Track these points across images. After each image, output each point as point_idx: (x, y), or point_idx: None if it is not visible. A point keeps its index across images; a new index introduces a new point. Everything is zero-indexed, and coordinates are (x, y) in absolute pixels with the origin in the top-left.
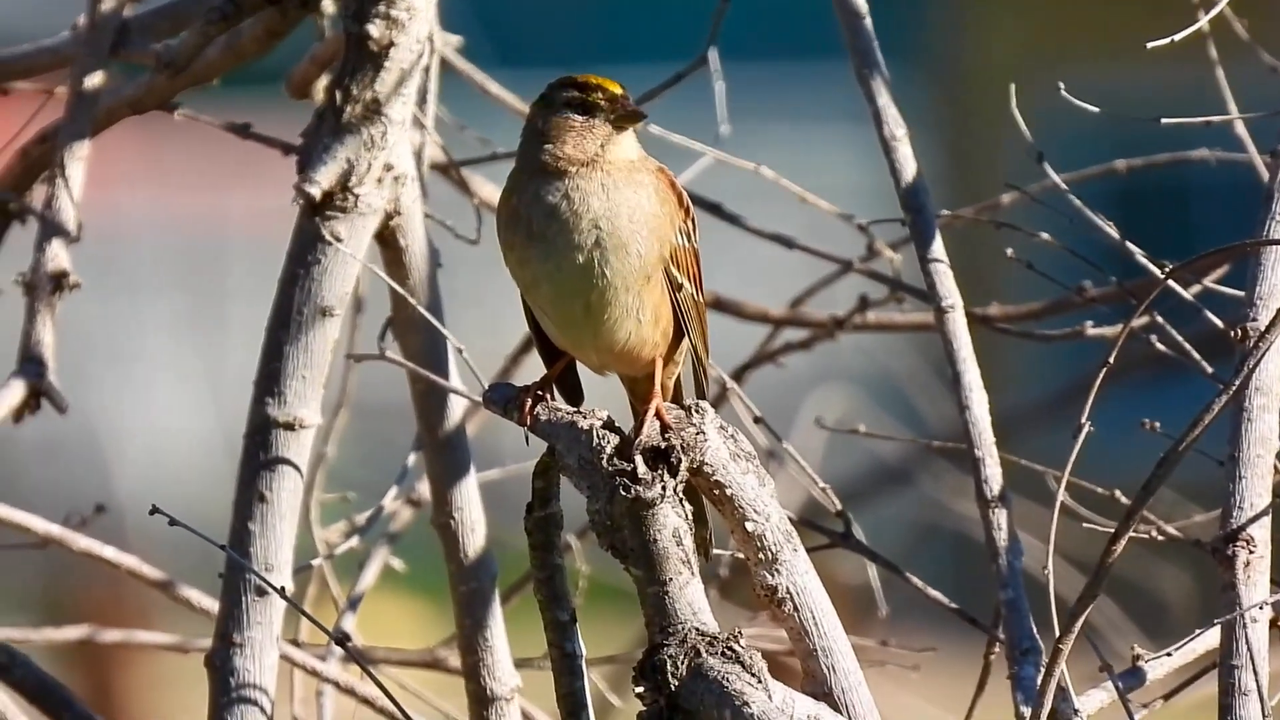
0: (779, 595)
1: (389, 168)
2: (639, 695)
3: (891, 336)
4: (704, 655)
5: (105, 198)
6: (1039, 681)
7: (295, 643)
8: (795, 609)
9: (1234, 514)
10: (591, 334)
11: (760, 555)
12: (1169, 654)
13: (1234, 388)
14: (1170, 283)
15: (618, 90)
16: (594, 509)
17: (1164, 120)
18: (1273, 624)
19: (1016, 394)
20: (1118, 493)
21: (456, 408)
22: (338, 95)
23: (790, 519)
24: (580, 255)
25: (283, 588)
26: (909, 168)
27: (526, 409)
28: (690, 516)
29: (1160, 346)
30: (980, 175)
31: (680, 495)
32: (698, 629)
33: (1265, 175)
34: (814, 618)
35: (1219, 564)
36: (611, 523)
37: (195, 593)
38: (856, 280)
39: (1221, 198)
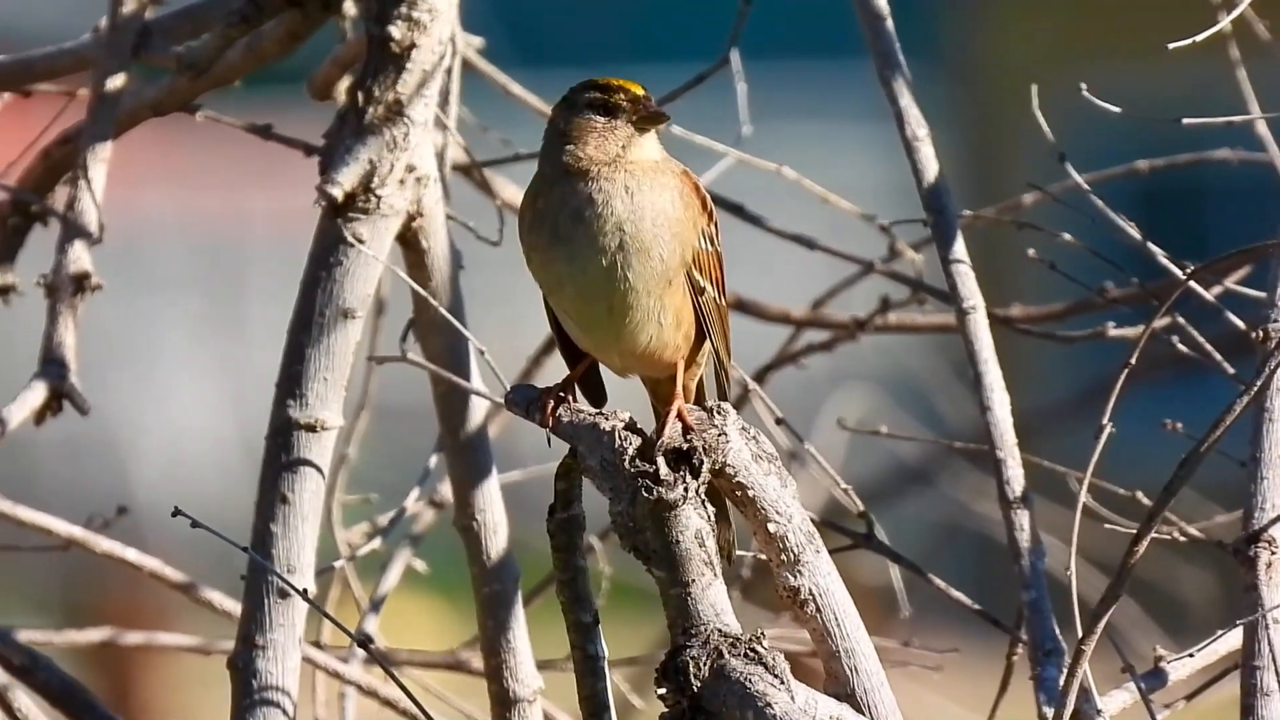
0: (801, 596)
1: (411, 169)
2: (661, 697)
3: (912, 337)
4: (727, 656)
5: (125, 198)
6: (1062, 682)
7: (318, 645)
8: (818, 610)
9: (1256, 515)
10: (614, 336)
11: (783, 556)
12: (1191, 655)
13: (1255, 388)
14: (1192, 284)
15: (640, 91)
16: (616, 511)
17: (1185, 121)
18: None
19: (1037, 395)
20: (1139, 494)
21: (478, 409)
22: (360, 97)
23: (812, 520)
24: (604, 258)
25: (305, 590)
26: (931, 168)
27: (548, 410)
28: (712, 518)
29: (1182, 347)
30: (999, 175)
31: (702, 497)
32: (720, 630)
33: None
34: (836, 619)
35: (1241, 565)
36: (634, 524)
37: (217, 595)
38: (878, 281)
39: (1239, 198)
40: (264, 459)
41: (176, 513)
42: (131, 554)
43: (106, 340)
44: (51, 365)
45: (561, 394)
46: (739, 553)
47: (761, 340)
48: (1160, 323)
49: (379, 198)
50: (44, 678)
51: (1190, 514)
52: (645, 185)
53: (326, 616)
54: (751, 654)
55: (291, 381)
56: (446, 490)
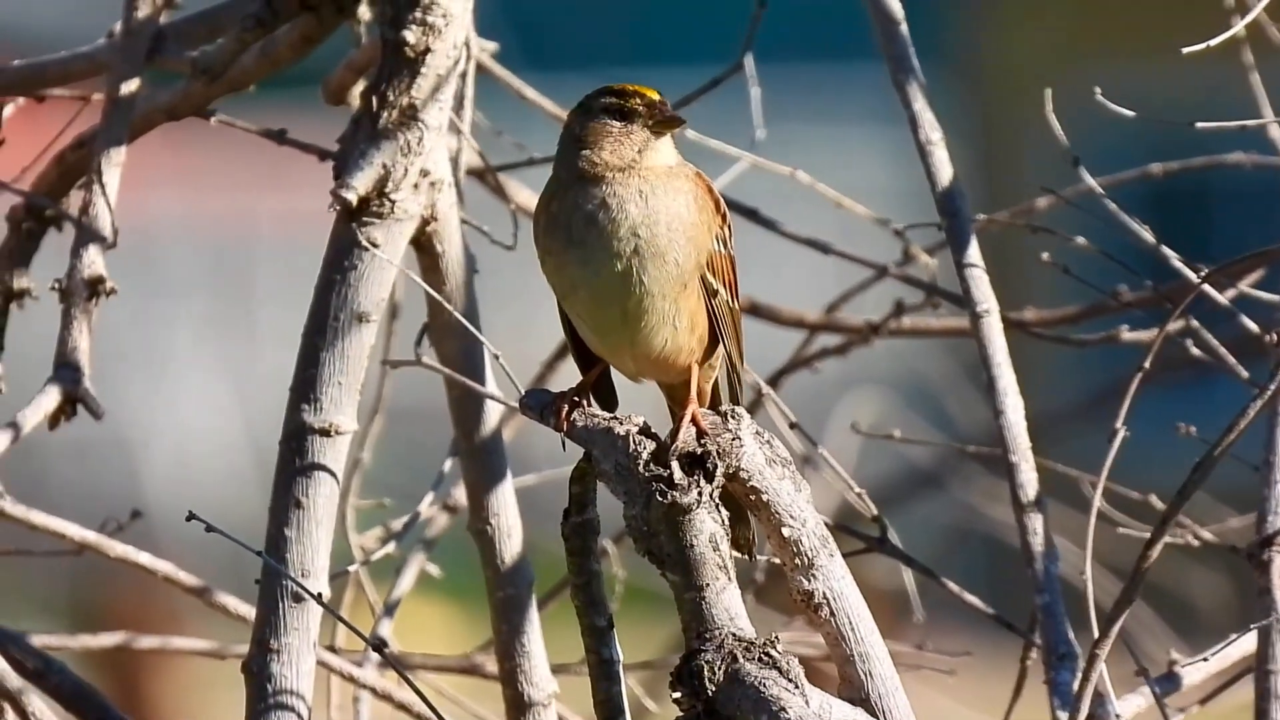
0: (815, 600)
1: (425, 173)
2: (676, 700)
3: (925, 341)
4: (741, 660)
5: (135, 201)
6: (1076, 686)
7: (332, 648)
8: (832, 614)
9: (1270, 519)
10: (628, 340)
11: (797, 560)
12: (1205, 659)
13: (1270, 392)
14: (1206, 287)
15: (655, 96)
16: (631, 514)
17: (1199, 125)
18: None
19: (1050, 398)
20: (1153, 497)
21: (493, 413)
22: (374, 101)
23: (826, 524)
24: (619, 262)
25: (319, 594)
26: (945, 172)
27: (563, 415)
28: (726, 522)
29: (1195, 351)
30: (1005, 177)
31: (717, 501)
32: (735, 634)
33: None
34: (850, 623)
35: (1255, 569)
36: (648, 528)
37: (231, 599)
38: (891, 285)
39: (1248, 200)
40: (278, 463)
41: (191, 517)
42: (145, 558)
43: (117, 343)
44: (65, 369)
45: (576, 398)
46: (756, 556)
47: (775, 344)
48: (1174, 326)
49: (393, 202)
50: (57, 681)
51: (1204, 518)
52: (659, 189)
53: (341, 620)
54: (766, 658)
55: (306, 386)
56: (461, 494)
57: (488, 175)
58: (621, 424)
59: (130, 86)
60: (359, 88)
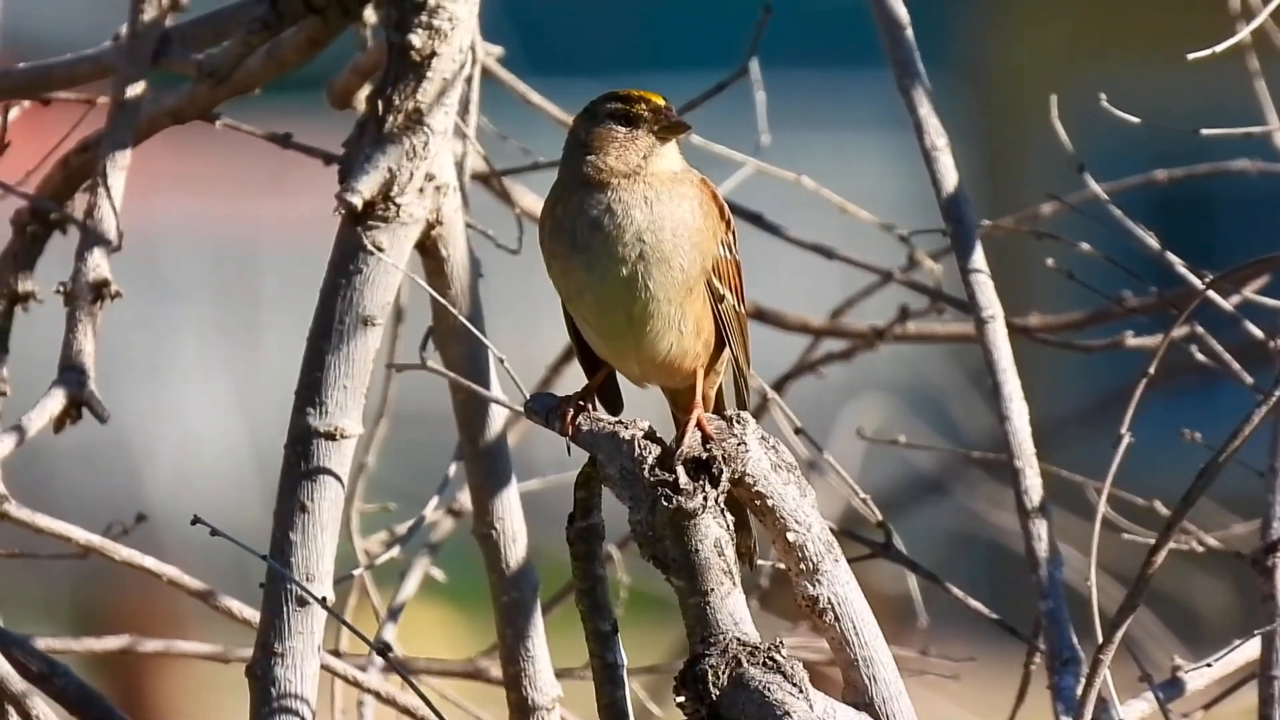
0: (820, 606)
1: (431, 177)
2: (680, 705)
3: (930, 346)
4: (745, 665)
5: (140, 204)
6: (1079, 692)
7: (336, 653)
8: (836, 619)
9: (1274, 525)
10: (634, 344)
11: (801, 566)
12: (1209, 664)
13: (1274, 398)
14: (1210, 293)
15: (661, 102)
16: (636, 519)
17: (1204, 131)
18: None
19: (1055, 404)
20: (1157, 503)
21: (498, 417)
22: (380, 105)
23: (831, 529)
24: (624, 267)
25: (324, 598)
26: (950, 178)
27: (568, 419)
28: (732, 527)
29: (1200, 357)
30: (1013, 182)
31: (722, 506)
32: (739, 639)
33: None
34: (855, 628)
35: (1259, 575)
36: (653, 533)
37: (236, 603)
38: (896, 290)
39: (1251, 206)
40: (283, 467)
41: (196, 520)
42: (150, 562)
43: (122, 346)
44: (70, 373)
45: (581, 402)
46: (759, 562)
47: (780, 349)
48: (1179, 332)
49: (398, 206)
50: (61, 685)
51: (1208, 523)
52: (664, 195)
53: (345, 624)
54: (770, 663)
55: (311, 389)
56: (465, 498)
57: (493, 180)
58: (627, 428)
59: (135, 90)
60: (364, 91)
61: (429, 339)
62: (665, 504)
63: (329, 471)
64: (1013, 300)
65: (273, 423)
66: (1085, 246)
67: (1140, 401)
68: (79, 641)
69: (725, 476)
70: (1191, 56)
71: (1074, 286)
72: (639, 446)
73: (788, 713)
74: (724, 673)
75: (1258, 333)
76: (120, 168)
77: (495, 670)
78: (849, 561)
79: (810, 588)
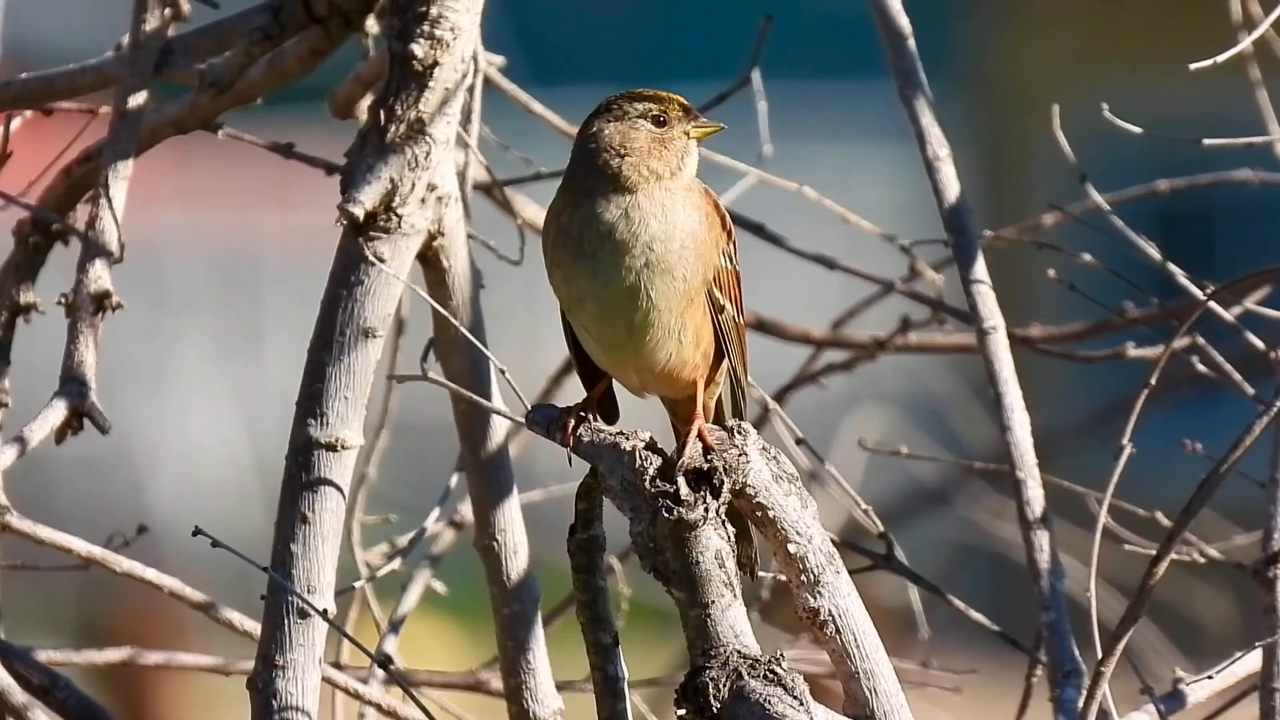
0: (821, 617)
1: (432, 188)
2: (681, 718)
3: (931, 357)
4: (746, 678)
5: (143, 215)
6: (1081, 704)
7: (337, 665)
8: (837, 631)
9: (1275, 536)
10: (633, 353)
11: (802, 577)
12: (1210, 677)
13: (1275, 409)
14: (1212, 304)
15: (686, 102)
16: (636, 531)
17: (1206, 141)
18: None
19: (1056, 415)
20: (1159, 514)
21: (499, 429)
22: (381, 115)
23: (832, 541)
24: (628, 276)
25: (325, 610)
26: (952, 188)
27: (569, 430)
28: (733, 538)
29: (1201, 368)
30: (1015, 192)
31: (723, 517)
32: (740, 651)
33: None
34: (856, 640)
35: (1260, 586)
36: (654, 545)
37: (237, 615)
38: (898, 301)
39: (1253, 216)
40: (284, 478)
41: (197, 532)
42: (151, 573)
43: (124, 357)
44: (72, 384)
45: (582, 413)
46: (760, 573)
47: (781, 360)
48: (1180, 343)
49: (400, 216)
50: (63, 697)
51: (1210, 535)
52: (680, 205)
53: (346, 637)
54: (771, 675)
55: (312, 400)
56: (466, 510)
57: (495, 190)
58: (628, 439)
59: (137, 100)
60: (366, 101)
61: (430, 350)
62: (666, 515)
63: (330, 483)
64: (1014, 311)
65: (275, 433)
66: (1087, 257)
67: (1141, 412)
68: (80, 654)
69: (726, 488)
70: (1193, 66)
71: (1075, 297)
72: (640, 458)
73: None
74: (725, 685)
75: (1259, 344)
76: (122, 178)
77: (496, 682)
78: (850, 573)
79: (811, 599)
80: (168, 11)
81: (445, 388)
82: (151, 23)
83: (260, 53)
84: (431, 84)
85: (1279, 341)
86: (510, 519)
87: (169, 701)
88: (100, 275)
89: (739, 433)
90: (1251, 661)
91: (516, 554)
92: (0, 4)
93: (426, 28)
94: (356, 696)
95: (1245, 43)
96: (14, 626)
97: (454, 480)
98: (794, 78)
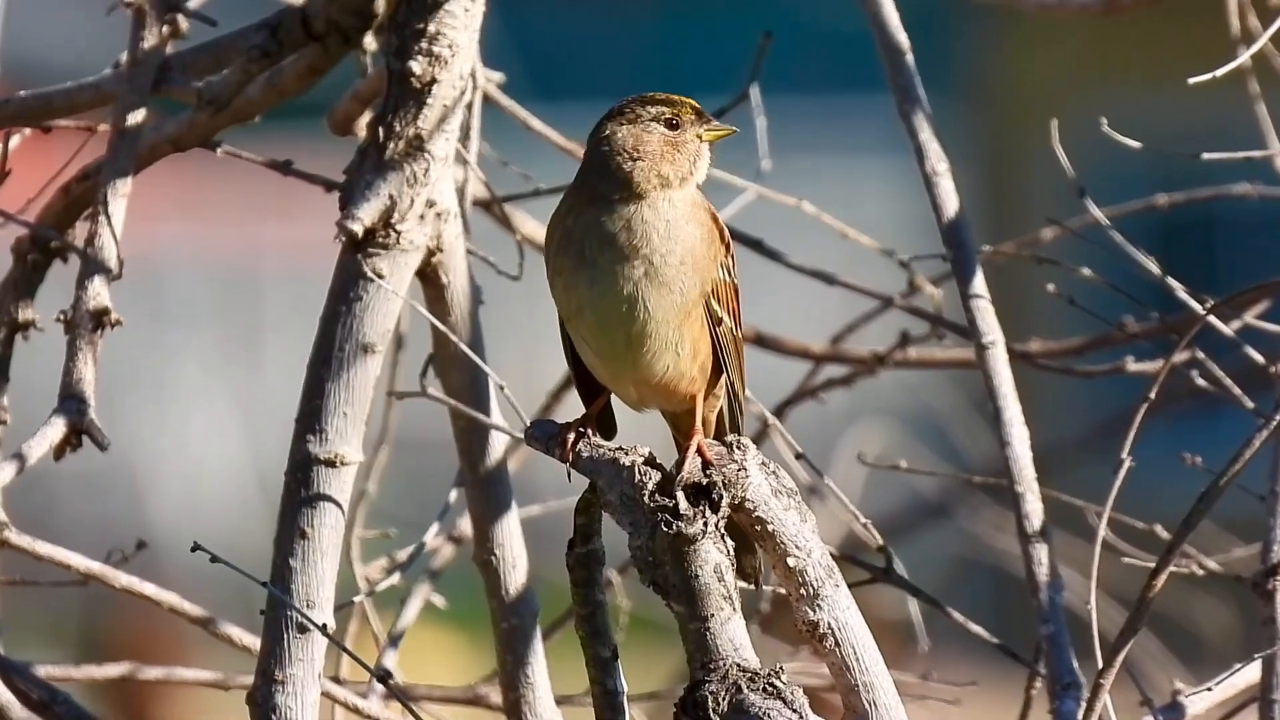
0: (821, 631)
1: (431, 204)
2: None
3: (930, 372)
4: (745, 691)
5: (141, 232)
6: (1080, 716)
7: (337, 679)
8: (837, 644)
9: (1275, 548)
10: (631, 365)
11: (802, 591)
12: (1209, 689)
13: (1275, 422)
14: (1211, 318)
15: (699, 107)
16: (636, 545)
17: (1205, 155)
18: None
19: (1056, 429)
20: (1158, 527)
21: (498, 444)
22: (380, 132)
23: (831, 554)
24: (627, 286)
25: (324, 625)
26: (951, 203)
27: (569, 445)
28: (731, 552)
29: (1201, 381)
30: (1014, 207)
31: (722, 531)
32: (739, 665)
33: None
34: (855, 653)
35: (1259, 598)
36: (653, 559)
37: (236, 630)
38: (897, 316)
39: (1253, 230)
40: (283, 494)
41: (196, 548)
42: (150, 588)
43: (123, 373)
44: (71, 401)
45: (581, 429)
46: (761, 586)
47: (781, 375)
48: (1179, 357)
49: (399, 233)
50: (63, 712)
51: (1209, 547)
52: (682, 219)
53: (346, 651)
54: (770, 688)
55: (311, 416)
56: (466, 525)
57: (494, 206)
58: (627, 454)
59: (136, 117)
60: (365, 118)
61: (429, 366)
62: (665, 529)
63: (329, 498)
64: (1013, 325)
65: (276, 448)
66: (1086, 271)
67: (1141, 426)
68: (79, 669)
69: (725, 502)
70: (1192, 81)
71: (1075, 311)
72: (639, 472)
73: None
74: (724, 699)
75: (1258, 358)
76: (121, 195)
77: (495, 697)
78: (850, 586)
79: (811, 613)
80: (166, 29)
81: (444, 404)
82: (150, 40)
83: (258, 70)
84: (430, 101)
85: (1278, 355)
86: (509, 534)
87: (169, 716)
88: (99, 292)
89: (738, 447)
90: (1251, 673)
91: (515, 568)
92: None
93: (425, 45)
94: (356, 711)
95: (1244, 57)
96: (14, 641)
97: (453, 495)
98: (793, 92)
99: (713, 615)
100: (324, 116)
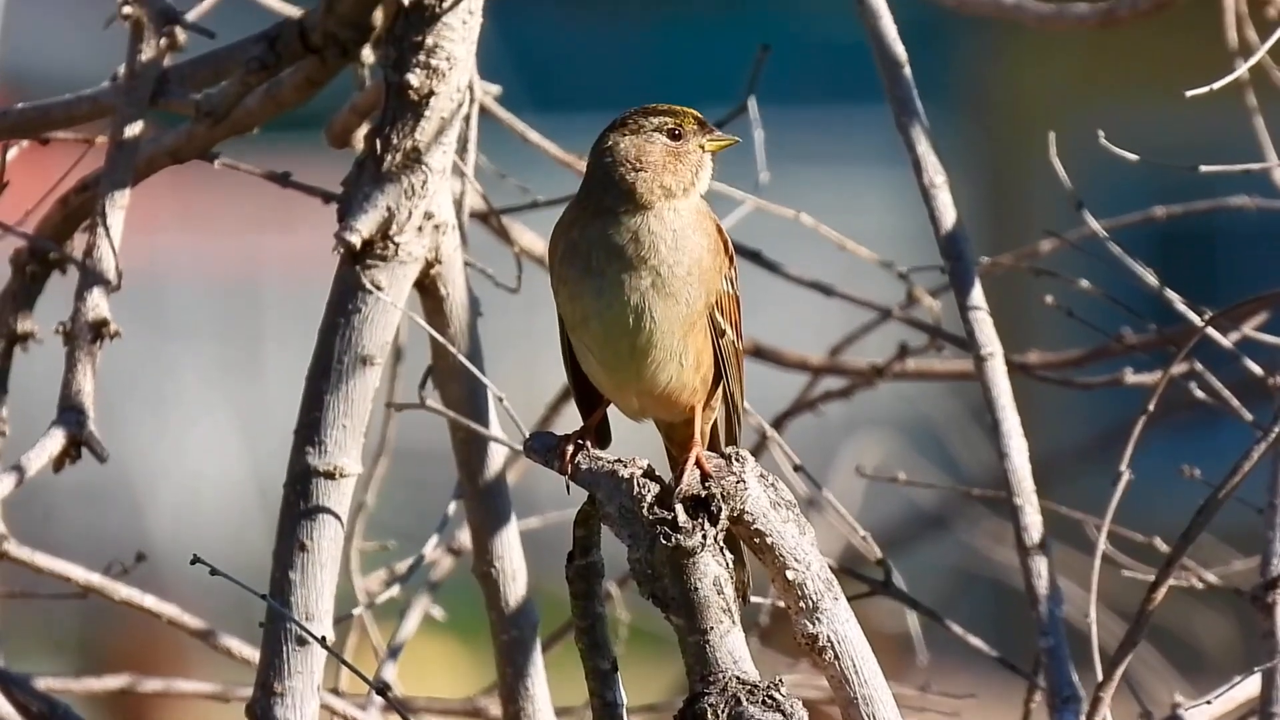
0: (820, 644)
1: (429, 216)
2: None
3: (929, 383)
4: (745, 704)
5: (140, 244)
6: None
7: (336, 691)
8: (836, 657)
9: (1274, 561)
10: (635, 375)
11: (801, 604)
12: (1209, 701)
13: (1273, 434)
14: (1210, 330)
15: (702, 117)
16: (635, 557)
17: (1203, 168)
18: None
19: (1055, 441)
20: (1157, 540)
21: (497, 456)
22: (378, 144)
23: (830, 567)
24: (634, 297)
25: (324, 637)
26: (948, 215)
27: (567, 457)
28: (731, 564)
29: (1199, 393)
30: (1013, 218)
31: (721, 544)
32: (738, 677)
33: None
34: (854, 666)
35: (1258, 611)
36: (652, 571)
37: (236, 642)
38: (895, 327)
39: (1251, 242)
40: (282, 506)
41: (195, 560)
42: (149, 601)
43: (122, 384)
44: (70, 413)
45: (580, 441)
46: (756, 599)
47: (779, 387)
48: (1178, 369)
49: (397, 245)
50: None
51: (1208, 560)
52: (689, 229)
53: (345, 664)
54: (769, 701)
55: (310, 428)
56: (465, 537)
57: (491, 218)
58: (626, 467)
59: (134, 129)
60: (363, 131)
61: (428, 378)
62: (664, 542)
63: (328, 510)
64: (1012, 337)
65: (276, 459)
66: (1084, 283)
67: (1140, 438)
68: (79, 681)
69: (724, 514)
70: (1190, 93)
71: (1073, 323)
72: (638, 485)
73: None
74: (723, 711)
75: (1257, 370)
76: (119, 207)
77: (495, 709)
78: (849, 599)
79: (810, 625)
80: (164, 41)
81: (443, 415)
82: (148, 53)
83: (256, 82)
84: (427, 113)
85: (1277, 367)
86: (508, 545)
87: None
88: (98, 304)
89: (737, 460)
90: (1250, 686)
91: (515, 580)
92: None
93: (422, 57)
94: None
95: (1242, 69)
96: (14, 653)
97: (452, 507)
98: (791, 103)
99: (712, 628)
100: (322, 129)
